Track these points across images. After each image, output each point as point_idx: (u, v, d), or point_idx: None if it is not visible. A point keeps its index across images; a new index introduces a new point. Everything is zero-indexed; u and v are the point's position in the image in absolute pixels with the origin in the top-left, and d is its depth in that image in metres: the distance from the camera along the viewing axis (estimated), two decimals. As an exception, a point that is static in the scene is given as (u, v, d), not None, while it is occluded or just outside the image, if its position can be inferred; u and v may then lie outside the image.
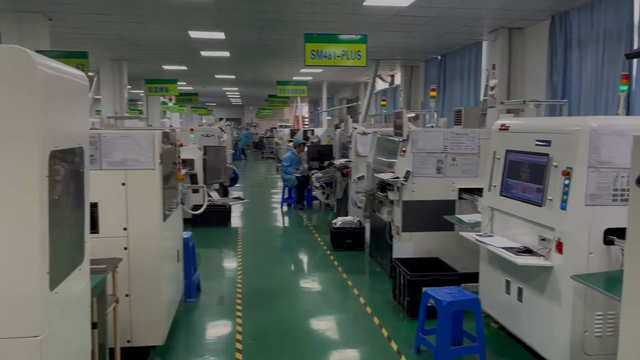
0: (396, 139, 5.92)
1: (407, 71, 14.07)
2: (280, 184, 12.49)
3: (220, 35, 10.07)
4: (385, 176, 5.80)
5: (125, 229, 3.74)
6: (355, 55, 6.76)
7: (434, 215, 5.51)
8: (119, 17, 8.65)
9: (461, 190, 5.61)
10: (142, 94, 19.19)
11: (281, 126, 27.01)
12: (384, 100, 10.14)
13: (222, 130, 11.40)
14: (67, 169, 2.07)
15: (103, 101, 13.82)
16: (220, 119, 31.59)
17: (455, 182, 5.62)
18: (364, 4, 7.38)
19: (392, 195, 5.77)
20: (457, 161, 5.64)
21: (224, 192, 10.14)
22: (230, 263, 6.97)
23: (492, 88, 8.12)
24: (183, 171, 4.90)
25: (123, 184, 3.72)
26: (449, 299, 3.91)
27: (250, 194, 13.68)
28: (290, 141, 20.72)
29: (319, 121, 25.13)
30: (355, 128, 8.33)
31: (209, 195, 6.79)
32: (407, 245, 5.62)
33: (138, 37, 10.48)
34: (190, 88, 22.30)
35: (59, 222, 1.94)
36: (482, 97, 8.64)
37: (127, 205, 3.74)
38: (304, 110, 28.87)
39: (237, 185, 12.97)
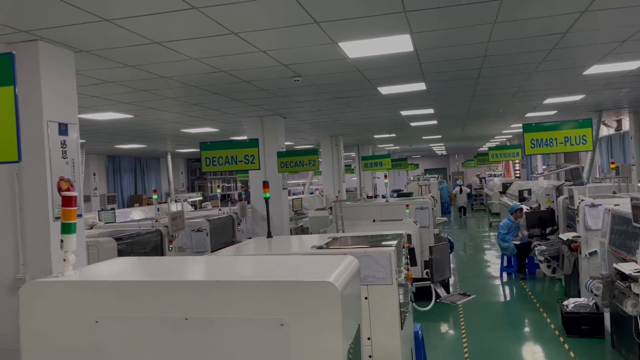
0: (638, 225, 5.39)
1: (637, 117, 12.61)
2: (496, 245, 12.07)
3: (430, 111, 10.48)
4: (627, 268, 5.30)
5: (369, 338, 4.15)
6: (580, 140, 6.41)
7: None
8: (339, 110, 9.70)
9: None
10: (353, 155, 20.73)
11: (490, 175, 26.17)
12: (612, 163, 9.22)
13: (434, 199, 11.60)
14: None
15: (324, 167, 15.21)
16: (426, 172, 31.93)
17: None
18: (585, 72, 7.03)
19: (637, 289, 5.22)
20: None
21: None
22: (456, 345, 6.98)
23: None
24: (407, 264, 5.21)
25: (366, 298, 4.17)
26: None
27: (464, 259, 13.47)
28: (501, 193, 19.94)
29: (531, 166, 23.66)
30: (582, 200, 7.76)
31: (437, 293, 7.02)
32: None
33: (354, 119, 11.52)
34: (397, 147, 23.24)
35: None
36: None
37: (370, 317, 4.15)
38: (514, 157, 27.45)
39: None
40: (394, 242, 4.49)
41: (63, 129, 4.36)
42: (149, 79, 6.07)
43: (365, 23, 4.42)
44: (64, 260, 2.21)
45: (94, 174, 17.72)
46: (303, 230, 12.29)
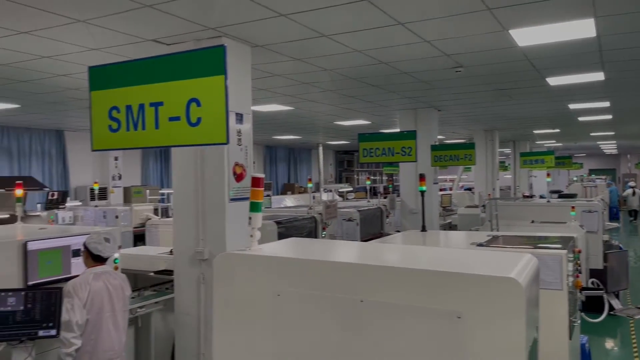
0: None
1: None
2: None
3: (605, 104, 9.47)
4: None
5: (532, 345, 3.89)
6: None
7: None
8: (498, 103, 9.21)
9: None
10: (507, 151, 19.56)
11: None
12: None
13: (605, 202, 10.48)
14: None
15: (477, 168, 14.60)
16: (591, 173, 28.95)
17: None
18: None
19: None
20: None
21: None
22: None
23: None
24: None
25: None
26: None
27: (636, 269, 11.99)
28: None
29: None
30: None
31: (610, 305, 6.36)
32: None
33: (512, 113, 10.85)
34: (559, 144, 21.40)
35: None
36: None
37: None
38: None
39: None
40: (564, 245, 4.15)
41: (239, 119, 4.75)
42: (312, 72, 6.34)
43: (542, 8, 4.11)
44: (251, 236, 2.40)
45: (254, 162, 19.07)
46: (451, 227, 11.95)
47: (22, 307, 3.66)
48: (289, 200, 16.15)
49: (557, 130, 14.83)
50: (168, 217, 10.28)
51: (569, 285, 3.90)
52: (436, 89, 7.70)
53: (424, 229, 5.59)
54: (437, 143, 9.83)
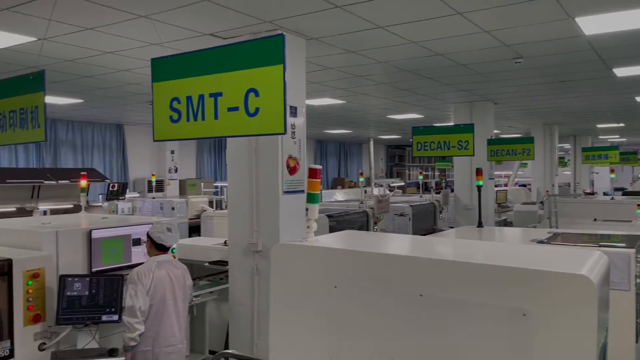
0: None
1: None
2: None
3: (676, 96, 8.92)
4: None
5: (597, 347, 3.72)
6: None
7: None
8: (559, 95, 8.84)
9: None
10: (567, 146, 18.79)
11: None
12: None
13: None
14: None
15: (534, 163, 14.09)
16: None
17: None
18: None
19: None
20: None
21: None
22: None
23: None
24: None
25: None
26: None
27: None
28: None
29: None
30: None
31: None
32: None
33: (574, 106, 10.40)
34: (623, 139, 20.37)
35: None
36: None
37: (600, 324, 3.71)
38: None
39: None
40: (630, 244, 3.93)
41: (293, 112, 4.76)
42: (366, 64, 6.28)
43: (613, -7, 3.90)
44: (308, 227, 2.40)
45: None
46: (506, 224, 11.61)
47: (87, 293, 3.83)
48: (339, 195, 16.14)
49: (622, 125, 14.11)
50: (222, 209, 10.50)
51: (636, 286, 3.69)
52: (493, 81, 7.47)
53: (480, 225, 5.45)
54: (493, 137, 9.55)
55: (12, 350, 3.57)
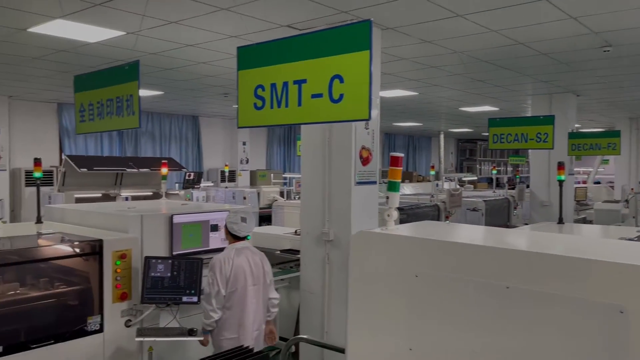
0: None
1: None
2: None
3: None
4: None
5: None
6: None
7: None
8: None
9: None
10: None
11: None
12: None
13: None
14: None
15: (619, 159, 13.29)
16: None
17: None
18: None
19: None
20: None
21: None
22: None
23: None
24: None
25: None
26: None
27: None
28: None
29: None
30: None
31: None
32: None
33: (668, 98, 9.67)
34: None
35: None
36: None
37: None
38: None
39: None
40: None
41: (368, 102, 4.74)
42: (441, 55, 6.13)
43: None
44: (388, 215, 2.39)
45: (372, 149, 19.07)
46: (586, 223, 11.02)
47: (169, 274, 4.02)
48: (407, 189, 15.93)
49: None
50: (291, 199, 10.66)
51: None
52: (577, 72, 7.08)
53: (560, 221, 5.21)
54: (573, 131, 9.07)
55: (102, 325, 3.82)
